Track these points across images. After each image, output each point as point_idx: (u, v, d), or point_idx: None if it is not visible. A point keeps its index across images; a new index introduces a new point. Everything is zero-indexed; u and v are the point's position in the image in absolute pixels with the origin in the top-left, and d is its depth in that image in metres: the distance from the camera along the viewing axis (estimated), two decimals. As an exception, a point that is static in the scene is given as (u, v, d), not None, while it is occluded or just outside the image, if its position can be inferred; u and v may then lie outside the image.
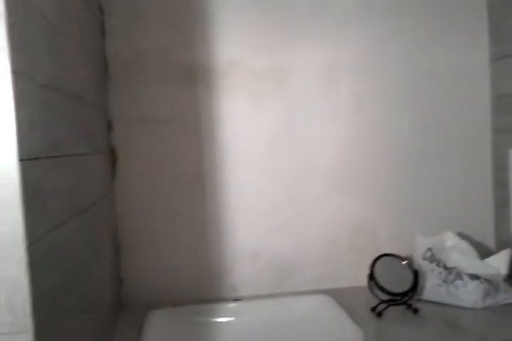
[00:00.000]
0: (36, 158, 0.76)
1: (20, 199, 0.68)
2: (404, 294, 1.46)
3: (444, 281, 1.50)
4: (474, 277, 1.47)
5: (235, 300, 1.59)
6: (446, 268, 1.52)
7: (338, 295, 1.57)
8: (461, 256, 1.54)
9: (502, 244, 1.65)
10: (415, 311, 1.42)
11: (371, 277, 1.49)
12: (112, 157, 1.54)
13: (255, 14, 1.59)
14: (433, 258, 1.57)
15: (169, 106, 1.57)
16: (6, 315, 0.68)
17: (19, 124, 0.69)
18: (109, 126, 1.54)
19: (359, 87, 1.66)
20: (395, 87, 1.67)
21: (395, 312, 1.43)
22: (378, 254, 1.54)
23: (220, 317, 1.54)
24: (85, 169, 1.16)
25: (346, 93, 1.66)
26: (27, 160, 0.71)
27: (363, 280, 1.54)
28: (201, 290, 1.62)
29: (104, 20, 1.53)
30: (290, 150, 1.64)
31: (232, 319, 1.55)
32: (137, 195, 1.57)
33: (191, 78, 1.58)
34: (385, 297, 1.46)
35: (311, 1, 1.62)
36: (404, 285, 1.47)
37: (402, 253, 1.56)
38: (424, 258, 1.58)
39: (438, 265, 1.54)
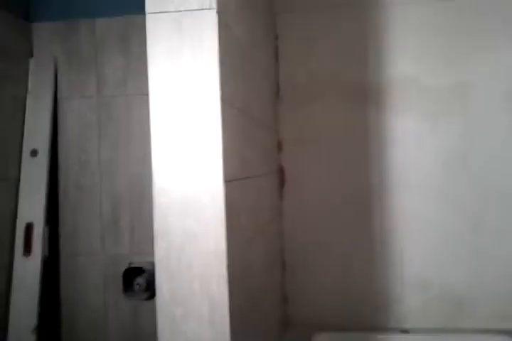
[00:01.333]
0: (234, 180, 0.80)
1: (224, 219, 0.72)
2: None
3: None
4: None
5: (403, 331, 1.49)
6: None
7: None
8: None
9: None
10: None
11: None
12: (281, 177, 1.58)
13: (432, 27, 1.52)
14: None
15: (338, 126, 1.56)
16: (207, 330, 0.71)
17: (224, 148, 0.74)
18: (279, 147, 1.59)
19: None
20: None
21: None
22: None
23: (386, 348, 1.46)
24: (262, 189, 1.20)
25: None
26: (229, 181, 0.75)
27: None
28: (367, 316, 1.55)
29: (278, 46, 1.60)
30: (468, 172, 1.50)
31: (398, 351, 1.45)
32: (302, 215, 1.58)
33: (361, 98, 1.55)
34: None
35: (499, 9, 1.48)
36: None
37: None
38: None
39: None
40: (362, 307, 1.55)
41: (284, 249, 1.59)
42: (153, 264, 1.54)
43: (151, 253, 1.56)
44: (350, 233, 1.56)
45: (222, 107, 0.74)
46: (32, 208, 1.45)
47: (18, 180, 1.47)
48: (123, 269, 1.53)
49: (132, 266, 1.53)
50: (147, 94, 1.56)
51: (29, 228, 1.44)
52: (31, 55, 1.57)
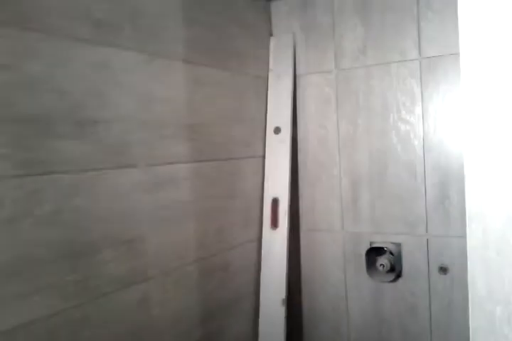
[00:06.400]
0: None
1: None
2: None
3: None
4: None
5: None
6: None
7: None
8: None
9: None
10: None
11: None
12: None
13: None
14: None
15: None
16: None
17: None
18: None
19: None
20: None
21: None
22: None
23: None
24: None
25: None
26: None
27: None
28: None
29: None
30: None
31: None
32: None
33: None
34: None
35: None
36: None
37: None
38: None
39: None
40: None
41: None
42: (395, 245, 1.46)
43: (392, 232, 1.48)
44: None
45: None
46: (277, 184, 1.49)
47: (264, 157, 1.53)
48: (363, 248, 1.48)
49: (374, 245, 1.47)
50: (388, 63, 1.46)
51: (275, 203, 1.49)
52: (271, 33, 1.60)
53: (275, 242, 1.47)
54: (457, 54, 1.34)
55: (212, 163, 1.29)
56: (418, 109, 1.40)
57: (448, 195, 1.36)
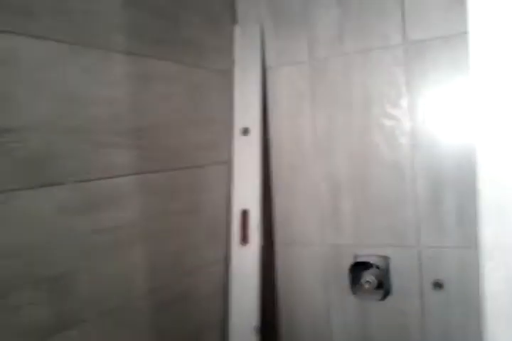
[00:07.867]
0: None
1: None
2: None
3: None
4: None
5: None
6: None
7: None
8: None
9: None
10: None
11: None
12: None
13: None
14: None
15: None
16: None
17: None
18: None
19: None
20: None
21: None
22: None
23: None
24: None
25: None
26: None
27: None
28: None
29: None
30: None
31: None
32: None
33: None
34: None
35: None
36: None
37: None
38: None
39: None
40: None
41: None
42: (383, 258, 1.28)
43: (379, 244, 1.30)
44: None
45: None
46: (247, 193, 1.30)
47: (231, 162, 1.34)
48: (347, 263, 1.30)
49: (358, 260, 1.29)
50: (369, 50, 1.27)
51: (245, 215, 1.30)
52: (235, 21, 1.40)
53: (245, 260, 1.28)
54: (446, 37, 1.17)
55: (166, 173, 1.09)
56: (404, 102, 1.22)
57: (442, 200, 1.19)
